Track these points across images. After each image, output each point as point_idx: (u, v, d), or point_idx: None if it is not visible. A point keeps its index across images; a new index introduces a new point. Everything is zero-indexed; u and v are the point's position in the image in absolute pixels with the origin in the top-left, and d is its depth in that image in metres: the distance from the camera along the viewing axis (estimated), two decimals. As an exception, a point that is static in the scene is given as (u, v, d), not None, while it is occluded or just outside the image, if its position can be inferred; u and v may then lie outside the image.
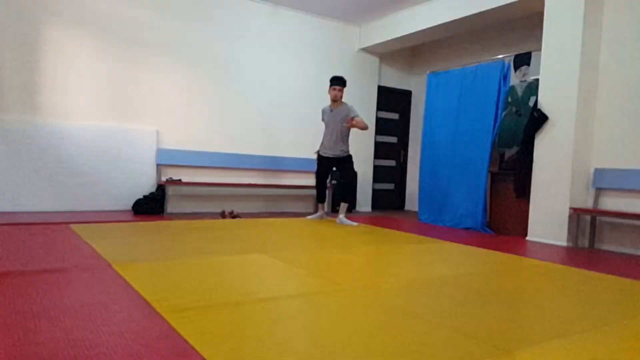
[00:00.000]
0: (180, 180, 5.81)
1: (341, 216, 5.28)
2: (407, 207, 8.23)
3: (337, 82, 5.10)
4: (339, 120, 5.11)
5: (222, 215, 5.68)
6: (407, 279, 2.79)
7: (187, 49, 6.01)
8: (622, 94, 4.52)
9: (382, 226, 5.43)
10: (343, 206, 5.31)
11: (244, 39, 6.40)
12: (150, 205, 5.53)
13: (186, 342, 1.61)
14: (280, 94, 6.76)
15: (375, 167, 7.86)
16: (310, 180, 7.04)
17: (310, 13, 6.88)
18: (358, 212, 7.24)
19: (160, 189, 5.70)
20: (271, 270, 2.80)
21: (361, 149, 7.51)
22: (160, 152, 5.83)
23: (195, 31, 6.05)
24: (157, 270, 2.66)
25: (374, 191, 7.83)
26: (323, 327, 1.86)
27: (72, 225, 4.18)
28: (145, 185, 5.75)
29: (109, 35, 5.53)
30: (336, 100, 5.14)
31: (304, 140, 6.95)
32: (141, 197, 5.63)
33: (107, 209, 5.54)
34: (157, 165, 5.83)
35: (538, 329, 1.96)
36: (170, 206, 5.85)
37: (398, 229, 5.23)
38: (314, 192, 7.07)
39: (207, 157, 6.16)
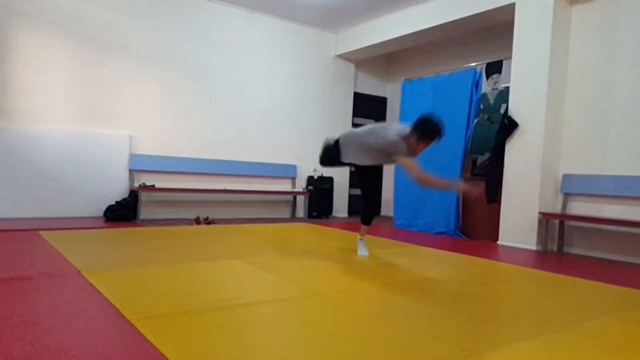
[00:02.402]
0: (153, 186, 5.72)
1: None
2: (384, 212, 8.29)
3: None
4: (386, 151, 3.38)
5: (197, 221, 5.61)
6: (381, 283, 2.81)
7: (161, 53, 5.93)
8: (589, 103, 4.69)
9: (358, 231, 5.45)
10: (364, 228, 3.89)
11: (219, 43, 6.37)
12: (123, 212, 5.41)
13: (156, 349, 1.59)
14: (256, 100, 6.74)
15: (352, 173, 7.90)
16: (285, 186, 7.03)
17: (287, 19, 6.90)
18: (335, 217, 7.26)
19: (133, 194, 5.59)
20: (246, 276, 2.78)
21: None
22: (133, 157, 5.72)
23: (170, 35, 5.99)
24: (128, 277, 2.61)
25: (350, 197, 7.88)
26: (297, 333, 1.86)
27: (41, 232, 4.06)
28: (118, 191, 5.63)
29: (80, 38, 5.41)
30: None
31: (280, 146, 6.94)
32: (113, 203, 5.51)
33: (78, 215, 5.39)
34: (130, 170, 5.72)
35: (507, 331, 2.01)
36: (144, 212, 5.74)
37: (373, 234, 5.27)
38: (288, 197, 7.06)
39: (181, 162, 6.08)
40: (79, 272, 2.65)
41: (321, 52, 7.34)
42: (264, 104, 6.80)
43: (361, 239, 3.86)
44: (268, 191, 6.52)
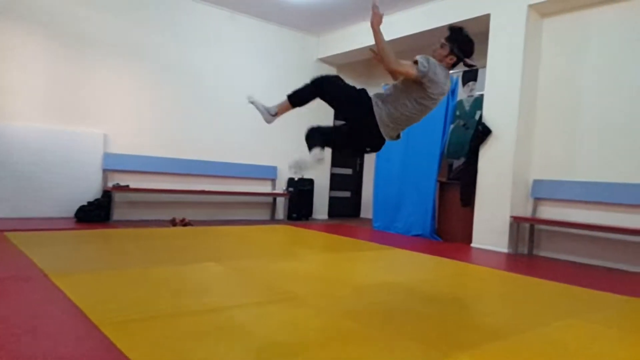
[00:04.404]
0: (127, 186, 5.62)
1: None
2: (363, 214, 8.35)
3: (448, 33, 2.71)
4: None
5: (173, 223, 5.53)
6: (357, 286, 2.83)
7: (138, 51, 5.84)
8: (558, 111, 4.83)
9: (337, 233, 5.49)
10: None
11: (200, 43, 6.31)
12: (95, 212, 5.30)
13: (125, 356, 1.57)
14: (237, 100, 6.70)
15: (332, 175, 7.94)
16: (265, 187, 7.00)
17: (269, 21, 6.88)
18: (315, 219, 7.27)
19: (106, 195, 5.48)
20: (221, 280, 2.77)
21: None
22: (107, 156, 5.61)
23: (148, 33, 5.90)
24: (98, 281, 2.56)
25: (331, 199, 7.91)
26: (271, 337, 1.86)
27: (7, 233, 3.94)
28: (90, 191, 5.50)
29: (55, 35, 5.28)
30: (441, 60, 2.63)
31: (260, 148, 6.91)
32: (85, 203, 5.39)
33: (47, 215, 5.25)
34: (104, 170, 5.60)
35: (477, 332, 2.06)
36: (117, 213, 5.63)
37: (352, 236, 5.30)
38: (267, 199, 7.04)
39: (158, 162, 5.99)
40: (46, 275, 2.59)
41: (303, 55, 7.35)
42: (245, 104, 6.74)
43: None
44: (247, 192, 6.49)
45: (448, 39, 2.63)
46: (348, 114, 2.76)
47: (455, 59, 2.62)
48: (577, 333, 2.15)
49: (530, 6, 4.79)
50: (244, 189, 6.70)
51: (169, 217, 5.82)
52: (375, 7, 2.49)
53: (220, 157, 6.54)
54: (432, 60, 2.56)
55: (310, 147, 2.71)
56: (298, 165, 2.61)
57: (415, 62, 2.51)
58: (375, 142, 2.70)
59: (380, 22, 2.52)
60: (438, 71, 2.53)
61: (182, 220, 5.56)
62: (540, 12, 4.91)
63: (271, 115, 2.96)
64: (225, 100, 6.58)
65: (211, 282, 2.70)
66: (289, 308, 2.26)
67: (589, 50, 4.63)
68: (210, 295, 2.41)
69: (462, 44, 2.61)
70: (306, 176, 7.21)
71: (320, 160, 2.68)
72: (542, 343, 1.97)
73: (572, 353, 1.87)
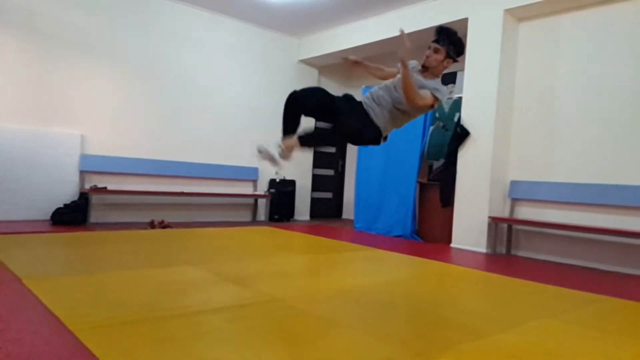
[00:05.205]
0: (105, 188, 5.52)
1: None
2: (345, 215, 8.38)
3: (436, 36, 2.57)
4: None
5: (152, 225, 5.45)
6: (338, 287, 2.84)
7: (117, 51, 5.74)
8: (534, 113, 4.94)
9: (318, 234, 5.49)
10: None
11: (179, 44, 6.24)
12: (72, 215, 5.19)
13: (99, 360, 1.54)
14: (217, 101, 6.65)
15: (314, 176, 7.94)
16: (246, 189, 6.96)
17: (249, 22, 6.85)
18: (296, 220, 7.26)
19: (83, 197, 5.37)
20: (200, 283, 2.74)
21: (300, 159, 7.56)
22: (84, 157, 5.50)
23: (128, 32, 5.81)
24: (73, 285, 2.51)
25: (313, 200, 7.91)
26: (251, 340, 1.85)
27: (-22, 237, 3.82)
28: (67, 193, 5.39)
29: (31, 33, 5.15)
30: (428, 67, 2.58)
31: (241, 149, 6.87)
32: (62, 205, 5.27)
33: (23, 218, 5.11)
34: (81, 171, 5.49)
35: (455, 333, 2.08)
36: (94, 216, 5.52)
37: (333, 237, 5.31)
38: (248, 200, 7.00)
39: (137, 163, 5.90)
40: (19, 280, 2.52)
41: (284, 56, 7.34)
42: (226, 105, 6.72)
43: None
44: (228, 194, 6.44)
45: (441, 42, 2.51)
46: (348, 129, 2.61)
47: (450, 61, 2.56)
48: (553, 332, 2.20)
49: (507, 11, 4.88)
50: (224, 190, 6.65)
51: (147, 220, 5.74)
52: (404, 41, 2.31)
53: (201, 159, 6.48)
54: (439, 83, 2.54)
55: (285, 131, 2.56)
56: (263, 153, 2.57)
57: (434, 97, 2.49)
58: (375, 137, 2.62)
59: (409, 56, 2.34)
60: (443, 89, 2.55)
61: (161, 223, 5.48)
62: (516, 16, 5.02)
63: (282, 158, 2.66)
64: (205, 101, 6.52)
65: (189, 285, 2.67)
66: (268, 310, 2.25)
67: (564, 53, 4.74)
68: (187, 298, 2.39)
69: (456, 45, 2.53)
70: (288, 177, 7.20)
71: (285, 159, 2.56)
72: (518, 342, 2.00)
73: (547, 352, 1.91)
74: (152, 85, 6.05)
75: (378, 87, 2.62)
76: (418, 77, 2.50)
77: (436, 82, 2.54)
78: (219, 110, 6.67)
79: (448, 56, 2.52)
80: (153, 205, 6.07)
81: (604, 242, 4.36)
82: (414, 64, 2.57)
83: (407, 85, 2.38)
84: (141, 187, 5.94)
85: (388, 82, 2.62)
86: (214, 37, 6.56)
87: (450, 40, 2.50)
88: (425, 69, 2.57)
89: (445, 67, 2.56)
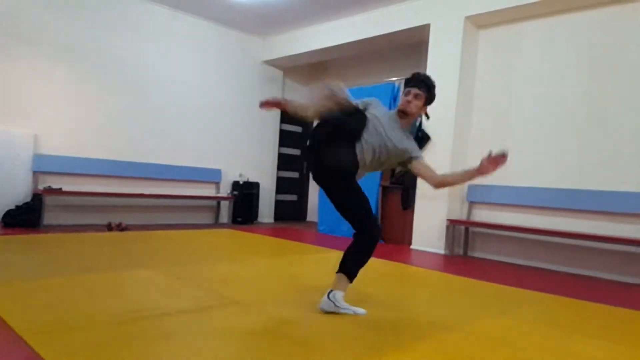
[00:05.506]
0: (60, 189, 5.31)
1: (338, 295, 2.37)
2: (310, 218, 8.40)
3: (416, 83, 2.50)
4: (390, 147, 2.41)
5: (109, 227, 5.30)
6: (300, 289, 2.86)
7: (74, 48, 5.54)
8: (492, 119, 5.13)
9: (282, 237, 5.49)
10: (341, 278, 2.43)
11: (139, 42, 6.09)
12: (24, 217, 4.96)
13: (48, 367, 1.49)
14: (179, 101, 6.53)
15: (279, 179, 7.93)
16: (209, 190, 6.87)
17: (212, 20, 6.77)
18: (260, 223, 7.23)
19: (37, 198, 5.15)
20: (157, 286, 2.69)
21: (264, 161, 7.54)
22: (37, 157, 5.27)
23: (85, 29, 5.62)
24: (24, 290, 2.41)
25: (277, 202, 7.89)
26: (209, 344, 1.84)
27: None
28: (19, 194, 5.15)
29: (-23, 25, 4.90)
30: (409, 113, 2.47)
31: (204, 150, 6.78)
32: (13, 207, 5.03)
33: (-32, 220, 4.86)
34: (34, 172, 5.27)
35: (406, 333, 2.15)
36: (48, 218, 5.31)
37: (297, 240, 5.33)
38: (211, 203, 6.91)
39: (93, 164, 5.71)
40: (-36, 285, 2.40)
41: (248, 56, 7.30)
42: (187, 105, 6.61)
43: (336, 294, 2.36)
44: (189, 196, 6.33)
45: (422, 88, 2.43)
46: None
47: (426, 108, 2.50)
48: (498, 330, 2.30)
49: (467, 18, 5.05)
50: (185, 192, 6.54)
51: (104, 222, 5.57)
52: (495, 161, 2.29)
53: (162, 159, 6.35)
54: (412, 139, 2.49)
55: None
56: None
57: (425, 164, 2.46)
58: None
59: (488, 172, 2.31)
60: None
61: (119, 225, 5.34)
62: (476, 23, 5.20)
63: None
64: (166, 101, 6.40)
65: (145, 289, 2.63)
66: (227, 314, 2.25)
67: (521, 61, 4.95)
68: (143, 302, 2.34)
69: (432, 91, 2.49)
70: (251, 179, 7.17)
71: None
72: (471, 340, 2.08)
73: (498, 349, 2.00)
74: (111, 84, 5.88)
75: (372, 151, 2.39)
76: (401, 135, 2.41)
77: (412, 139, 2.46)
78: (180, 110, 6.56)
79: (426, 102, 2.47)
80: (111, 208, 5.89)
81: (555, 243, 4.59)
82: (341, 87, 2.40)
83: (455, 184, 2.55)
84: (98, 188, 5.75)
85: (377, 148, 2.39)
86: (175, 35, 6.45)
87: (428, 88, 2.45)
88: (404, 115, 2.45)
89: (422, 113, 2.47)
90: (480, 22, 5.16)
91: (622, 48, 4.27)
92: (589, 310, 2.86)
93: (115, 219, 5.69)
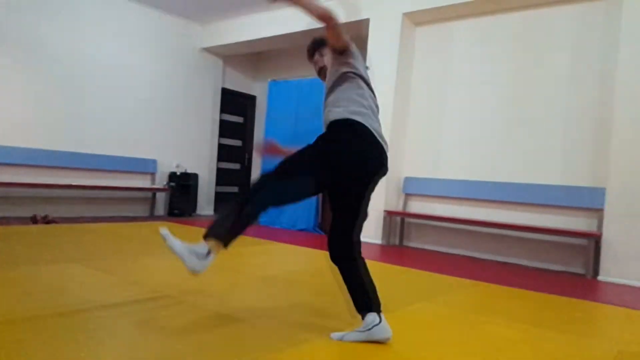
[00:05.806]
0: (-25, 179, 4.88)
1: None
2: (249, 210, 8.31)
3: (308, 57, 2.48)
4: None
5: (34, 220, 4.94)
6: (236, 282, 2.84)
7: (3, 32, 5.08)
8: (426, 115, 5.34)
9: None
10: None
11: (71, 26, 5.68)
12: None
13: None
14: (110, 88, 6.19)
15: (219, 170, 7.76)
16: (144, 182, 6.60)
17: (146, 5, 6.46)
18: (199, 215, 7.06)
19: (-53, 189, 4.70)
20: (85, 281, 2.56)
21: (203, 151, 7.35)
22: (-53, 144, 4.80)
23: (17, 14, 5.15)
24: None
25: (217, 194, 7.73)
26: (138, 337, 1.78)
27: None
28: None
29: None
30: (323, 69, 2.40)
31: (138, 140, 6.49)
32: None
33: None
34: (-57, 160, 4.79)
35: (343, 317, 2.20)
36: (-39, 210, 4.86)
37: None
38: (146, 194, 6.64)
39: (16, 152, 5.29)
40: None
41: (185, 43, 7.04)
42: (120, 92, 6.28)
43: None
44: (122, 187, 6.04)
45: (312, 56, 2.45)
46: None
47: (326, 49, 2.41)
48: (423, 314, 2.42)
49: (405, 14, 5.19)
50: (118, 183, 6.24)
51: (29, 214, 5.19)
52: None
53: (93, 149, 6.00)
54: None
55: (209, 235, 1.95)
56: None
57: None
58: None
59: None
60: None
61: (45, 218, 5.00)
62: (413, 21, 5.36)
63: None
64: (98, 87, 6.05)
65: (72, 283, 2.49)
66: (158, 307, 2.18)
67: (455, 59, 5.17)
68: (70, 296, 2.22)
69: (314, 42, 2.45)
70: (189, 170, 6.97)
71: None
72: (399, 323, 2.17)
73: (424, 332, 2.10)
74: (38, 69, 5.45)
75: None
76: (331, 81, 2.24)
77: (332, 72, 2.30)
78: (113, 97, 6.23)
79: (322, 51, 2.40)
80: (37, 199, 5.50)
81: (484, 233, 4.88)
82: None
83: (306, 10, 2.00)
84: (24, 179, 5.34)
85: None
86: (108, 20, 6.09)
87: (312, 49, 2.43)
88: (324, 72, 2.37)
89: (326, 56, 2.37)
90: (417, 19, 5.32)
91: (547, 49, 4.57)
92: (512, 295, 3.08)
93: (41, 211, 5.32)
